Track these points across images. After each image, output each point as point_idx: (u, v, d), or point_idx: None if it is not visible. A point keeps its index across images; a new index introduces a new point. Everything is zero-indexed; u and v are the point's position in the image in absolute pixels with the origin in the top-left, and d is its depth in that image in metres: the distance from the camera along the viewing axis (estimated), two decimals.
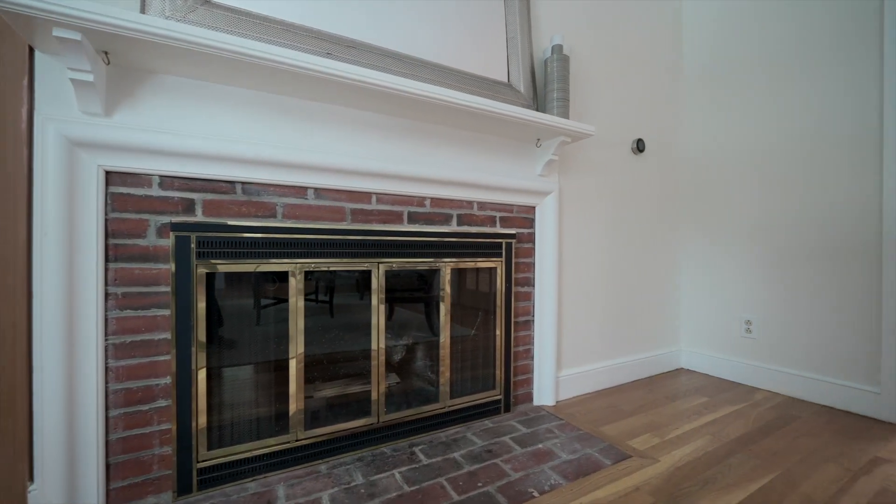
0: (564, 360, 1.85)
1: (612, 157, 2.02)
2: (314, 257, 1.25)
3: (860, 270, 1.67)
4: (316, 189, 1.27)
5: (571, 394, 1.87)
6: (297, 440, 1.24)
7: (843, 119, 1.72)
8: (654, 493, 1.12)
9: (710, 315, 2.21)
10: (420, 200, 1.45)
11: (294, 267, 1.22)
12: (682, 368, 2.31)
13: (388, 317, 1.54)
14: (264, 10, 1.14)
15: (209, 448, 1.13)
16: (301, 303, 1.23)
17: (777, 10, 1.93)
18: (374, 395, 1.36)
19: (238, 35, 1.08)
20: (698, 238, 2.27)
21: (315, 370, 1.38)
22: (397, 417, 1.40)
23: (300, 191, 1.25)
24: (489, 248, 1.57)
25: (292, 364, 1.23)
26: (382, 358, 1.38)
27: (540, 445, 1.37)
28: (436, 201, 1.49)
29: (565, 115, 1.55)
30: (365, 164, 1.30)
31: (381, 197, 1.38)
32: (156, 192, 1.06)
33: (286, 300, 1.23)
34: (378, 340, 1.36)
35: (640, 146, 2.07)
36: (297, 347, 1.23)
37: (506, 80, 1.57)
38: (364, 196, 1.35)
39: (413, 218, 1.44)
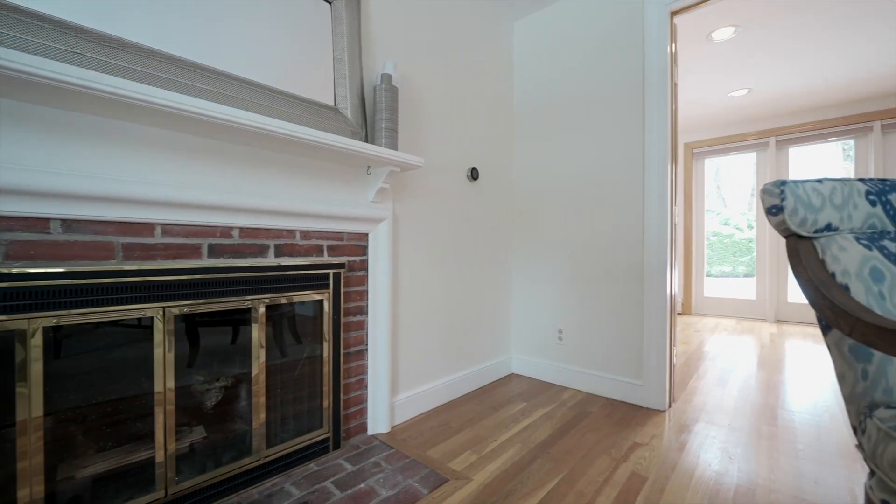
0: (402, 383, 1.87)
1: (448, 184, 2.13)
2: (61, 308, 0.98)
3: (633, 288, 2.09)
4: (66, 221, 1.00)
5: (409, 415, 1.90)
6: None
7: (625, 163, 2.13)
8: None
9: (534, 325, 2.51)
10: (225, 231, 1.28)
11: (24, 324, 0.93)
12: (513, 374, 2.58)
13: (233, 340, 1.33)
14: None
15: None
16: (38, 362, 0.95)
17: (579, 64, 2.29)
18: (159, 458, 1.15)
19: None
20: (525, 257, 2.55)
21: (73, 434, 1.09)
22: (195, 484, 1.20)
23: (39, 223, 0.97)
24: (315, 279, 1.48)
25: (22, 432, 0.94)
26: (171, 408, 1.16)
27: (362, 485, 1.34)
28: (247, 231, 1.33)
29: (393, 145, 1.56)
30: (140, 190, 1.07)
31: (170, 228, 1.17)
32: None
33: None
34: (164, 383, 1.15)
35: (474, 174, 2.22)
36: (30, 409, 0.95)
37: (332, 103, 1.50)
38: (144, 228, 1.12)
39: (216, 251, 1.26)
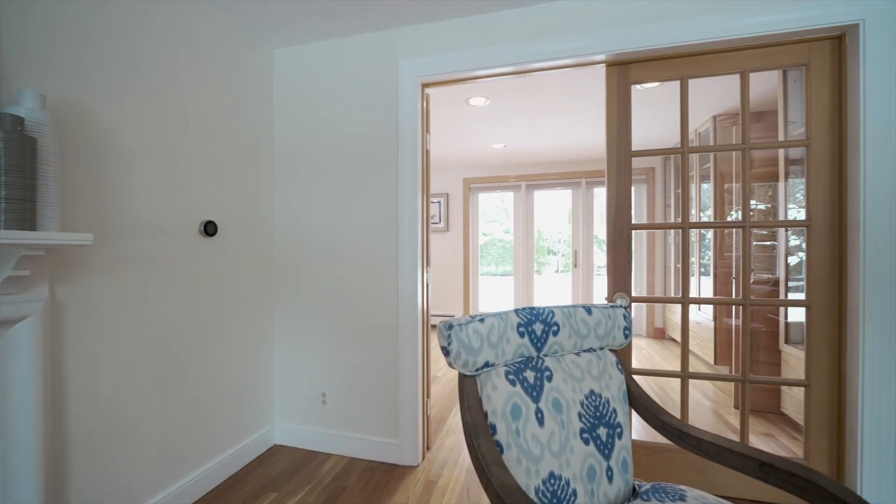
0: None
1: (171, 245, 1.69)
2: None
3: (390, 349, 2.11)
4: None
5: None
6: None
7: (381, 225, 2.13)
8: None
9: (298, 389, 2.29)
10: None
11: None
12: (276, 446, 2.29)
13: None
14: None
15: None
16: None
17: (340, 114, 2.19)
18: None
19: None
20: (288, 316, 2.31)
21: None
22: None
23: None
24: None
25: None
26: None
27: None
28: None
29: (24, 221, 1.08)
30: None
31: None
32: None
33: None
34: None
35: (209, 230, 1.84)
36: None
37: None
38: None
39: None
